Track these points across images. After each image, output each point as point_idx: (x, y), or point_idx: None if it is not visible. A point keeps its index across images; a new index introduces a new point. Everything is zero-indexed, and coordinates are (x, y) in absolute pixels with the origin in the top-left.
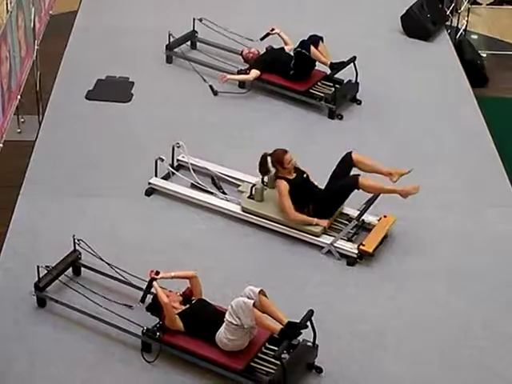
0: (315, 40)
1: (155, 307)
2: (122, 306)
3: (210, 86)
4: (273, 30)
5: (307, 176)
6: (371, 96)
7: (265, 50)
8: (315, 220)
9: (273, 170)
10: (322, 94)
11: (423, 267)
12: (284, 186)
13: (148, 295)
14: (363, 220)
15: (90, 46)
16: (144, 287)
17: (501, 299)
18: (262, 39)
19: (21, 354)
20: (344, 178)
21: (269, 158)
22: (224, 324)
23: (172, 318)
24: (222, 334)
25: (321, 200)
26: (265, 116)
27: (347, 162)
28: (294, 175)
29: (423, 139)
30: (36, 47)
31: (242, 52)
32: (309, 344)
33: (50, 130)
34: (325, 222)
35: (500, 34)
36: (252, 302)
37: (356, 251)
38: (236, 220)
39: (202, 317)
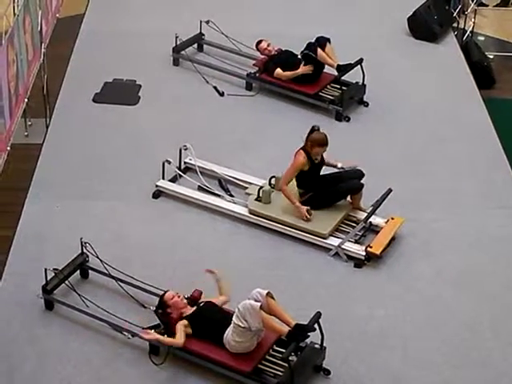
0: (322, 42)
1: (161, 310)
2: (129, 308)
3: (215, 87)
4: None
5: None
6: (378, 98)
7: (275, 52)
8: (297, 203)
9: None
10: (330, 97)
11: (430, 269)
12: (302, 160)
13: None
14: (371, 222)
15: (97, 48)
16: (147, 288)
17: (508, 300)
18: None
19: (29, 356)
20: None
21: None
22: (231, 326)
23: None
24: (230, 337)
25: (323, 194)
26: (272, 118)
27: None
28: (316, 162)
29: (430, 141)
30: (43, 50)
31: (259, 42)
32: (316, 346)
33: (57, 133)
34: (304, 209)
35: (507, 36)
36: (259, 304)
37: (363, 253)
38: (243, 222)
39: (210, 318)
